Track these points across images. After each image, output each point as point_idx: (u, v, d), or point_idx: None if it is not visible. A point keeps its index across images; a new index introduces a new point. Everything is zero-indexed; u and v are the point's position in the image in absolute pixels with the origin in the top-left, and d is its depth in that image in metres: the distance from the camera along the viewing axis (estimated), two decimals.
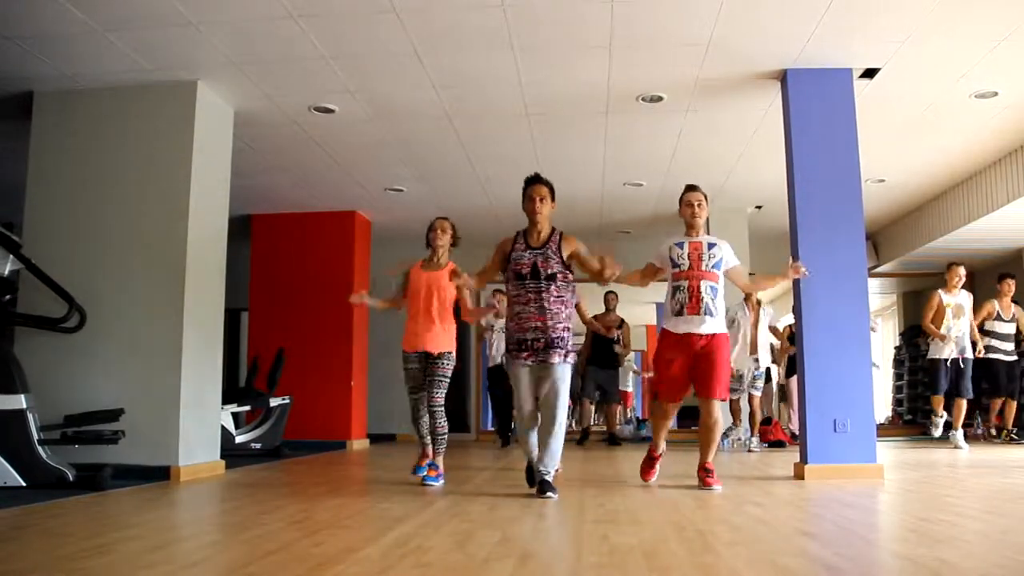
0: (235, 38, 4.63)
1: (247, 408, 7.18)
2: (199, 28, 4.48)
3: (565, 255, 4.12)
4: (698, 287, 4.23)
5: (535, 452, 4.10)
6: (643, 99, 5.59)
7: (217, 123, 5.49)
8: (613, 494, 4.05)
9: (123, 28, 4.47)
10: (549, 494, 3.86)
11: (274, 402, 7.18)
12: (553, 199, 4.19)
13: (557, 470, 4.18)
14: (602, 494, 4.04)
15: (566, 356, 4.06)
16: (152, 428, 4.86)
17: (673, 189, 7.86)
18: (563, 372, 4.04)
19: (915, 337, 10.51)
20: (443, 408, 4.66)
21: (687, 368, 4.27)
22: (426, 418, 4.69)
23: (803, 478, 4.66)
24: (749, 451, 7.21)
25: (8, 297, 4.81)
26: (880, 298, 12.45)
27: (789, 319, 8.77)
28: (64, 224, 5.19)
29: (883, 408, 11.23)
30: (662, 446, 4.62)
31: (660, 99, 5.58)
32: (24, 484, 4.21)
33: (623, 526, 3.05)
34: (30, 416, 4.35)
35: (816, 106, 5.06)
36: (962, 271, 7.22)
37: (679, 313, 4.25)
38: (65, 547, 2.67)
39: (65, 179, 5.24)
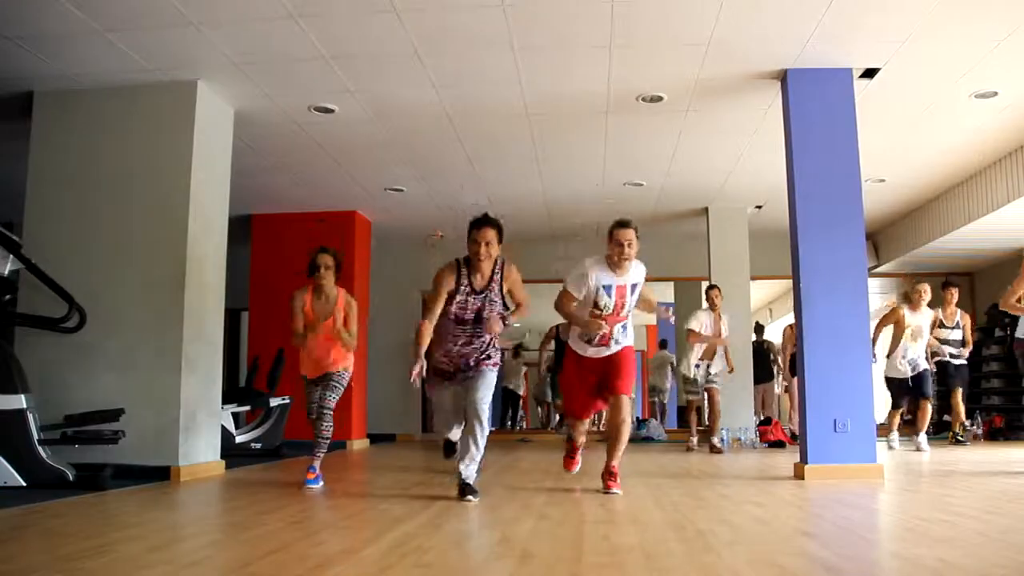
0: (235, 38, 4.63)
1: (247, 408, 7.18)
2: (199, 28, 4.48)
3: (506, 289, 4.04)
4: (612, 329, 4.21)
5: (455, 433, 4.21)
6: (643, 99, 5.59)
7: (217, 123, 5.49)
8: (613, 494, 4.04)
9: (123, 28, 4.47)
10: (469, 497, 3.79)
11: (274, 402, 7.18)
12: (501, 240, 3.93)
13: (480, 468, 4.18)
14: (602, 494, 4.04)
15: (493, 365, 4.03)
16: (152, 428, 4.86)
17: (673, 189, 7.92)
18: (490, 377, 3.98)
19: None
20: (331, 412, 4.62)
21: (596, 384, 4.33)
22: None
23: (803, 478, 4.66)
24: (713, 451, 7.18)
25: (8, 297, 4.81)
26: (880, 298, 12.44)
27: (788, 319, 8.77)
28: (64, 224, 5.19)
29: (883, 408, 11.21)
30: (582, 440, 4.66)
31: (660, 99, 5.58)
32: (24, 484, 4.21)
33: (623, 526, 3.06)
34: (30, 416, 4.35)
35: (816, 106, 5.06)
36: (927, 289, 7.23)
37: (590, 342, 4.28)
38: (65, 547, 2.67)
39: (65, 179, 5.23)
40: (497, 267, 3.97)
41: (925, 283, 7.33)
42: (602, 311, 4.14)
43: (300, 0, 4.20)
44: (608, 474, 4.17)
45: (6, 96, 5.32)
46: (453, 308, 3.93)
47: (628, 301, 4.20)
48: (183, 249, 5.08)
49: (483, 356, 4.00)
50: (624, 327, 4.29)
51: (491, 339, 4.02)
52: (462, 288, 3.92)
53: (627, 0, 4.23)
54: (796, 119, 5.08)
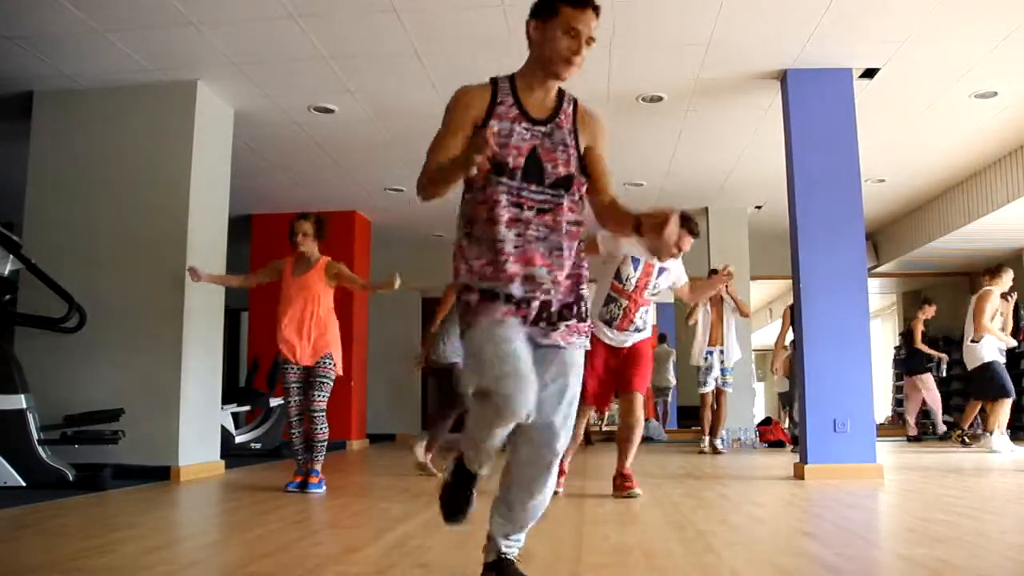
0: (235, 38, 4.63)
1: (247, 408, 7.18)
2: (199, 28, 4.48)
3: (583, 144, 2.19)
4: (634, 310, 4.12)
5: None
6: (643, 99, 5.59)
7: (217, 123, 5.49)
8: (633, 496, 4.04)
9: (123, 28, 4.47)
10: None
11: (274, 402, 7.18)
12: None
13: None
14: (602, 494, 4.04)
15: (584, 334, 2.08)
16: (152, 428, 4.86)
17: (673, 189, 7.92)
18: (577, 361, 2.08)
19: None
20: (324, 413, 4.40)
21: (612, 369, 4.19)
22: (301, 427, 4.41)
23: (803, 478, 4.66)
24: (715, 452, 7.04)
25: (8, 297, 4.81)
26: (880, 298, 12.46)
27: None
28: (64, 224, 5.18)
29: (883, 408, 11.23)
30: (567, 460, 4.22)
31: (660, 99, 5.58)
32: (24, 484, 4.21)
33: (623, 526, 3.06)
34: (30, 416, 4.35)
35: (816, 106, 5.06)
36: (1010, 274, 7.01)
37: (609, 324, 4.15)
38: (65, 547, 2.67)
39: (65, 179, 5.23)
40: (568, 101, 2.25)
41: (1008, 266, 7.07)
42: (623, 284, 4.10)
43: (300, 0, 4.20)
44: (621, 477, 4.06)
45: (6, 96, 5.32)
46: (487, 153, 1.98)
47: (652, 283, 4.13)
48: (183, 249, 5.08)
49: (571, 300, 2.09)
50: (646, 311, 4.15)
51: (577, 254, 2.17)
52: (501, 109, 2.21)
53: (627, 0, 4.23)
54: (796, 119, 5.08)
